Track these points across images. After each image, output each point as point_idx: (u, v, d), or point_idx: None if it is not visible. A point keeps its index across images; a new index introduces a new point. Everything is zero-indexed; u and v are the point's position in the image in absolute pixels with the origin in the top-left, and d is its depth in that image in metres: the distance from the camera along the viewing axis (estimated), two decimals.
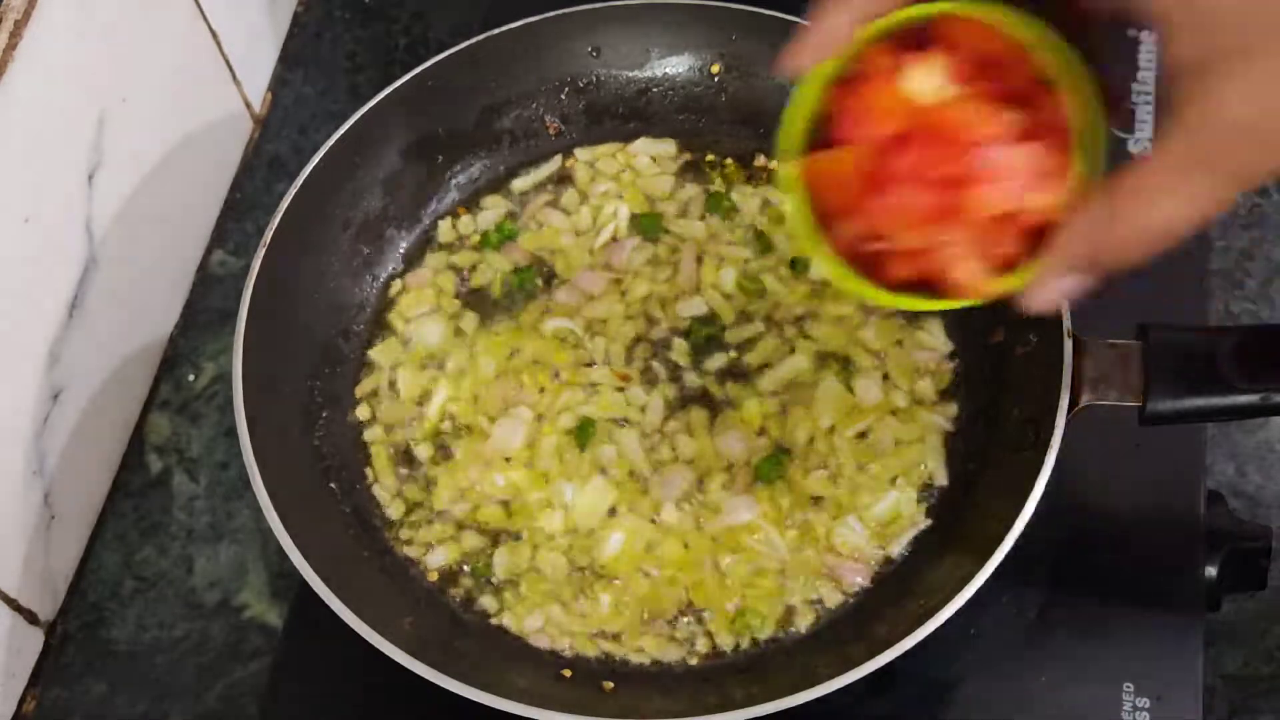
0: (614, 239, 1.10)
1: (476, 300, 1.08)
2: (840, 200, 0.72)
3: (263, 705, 0.98)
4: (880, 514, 0.96)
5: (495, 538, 0.98)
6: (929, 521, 0.96)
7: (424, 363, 1.05)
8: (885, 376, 1.02)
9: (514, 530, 0.98)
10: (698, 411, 1.01)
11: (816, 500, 0.97)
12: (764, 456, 0.98)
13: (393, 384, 1.04)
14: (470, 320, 1.07)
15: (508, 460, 1.00)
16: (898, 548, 0.95)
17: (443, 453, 1.01)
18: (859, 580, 0.94)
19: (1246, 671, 1.00)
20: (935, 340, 1.03)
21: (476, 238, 1.11)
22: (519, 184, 1.14)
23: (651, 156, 1.14)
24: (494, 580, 0.96)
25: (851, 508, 0.96)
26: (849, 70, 0.70)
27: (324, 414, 1.02)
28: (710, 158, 1.14)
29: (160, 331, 1.18)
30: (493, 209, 1.13)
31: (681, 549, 0.96)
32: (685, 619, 0.94)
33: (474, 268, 1.10)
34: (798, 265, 1.07)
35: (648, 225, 1.10)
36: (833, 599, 0.94)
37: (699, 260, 1.07)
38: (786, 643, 0.93)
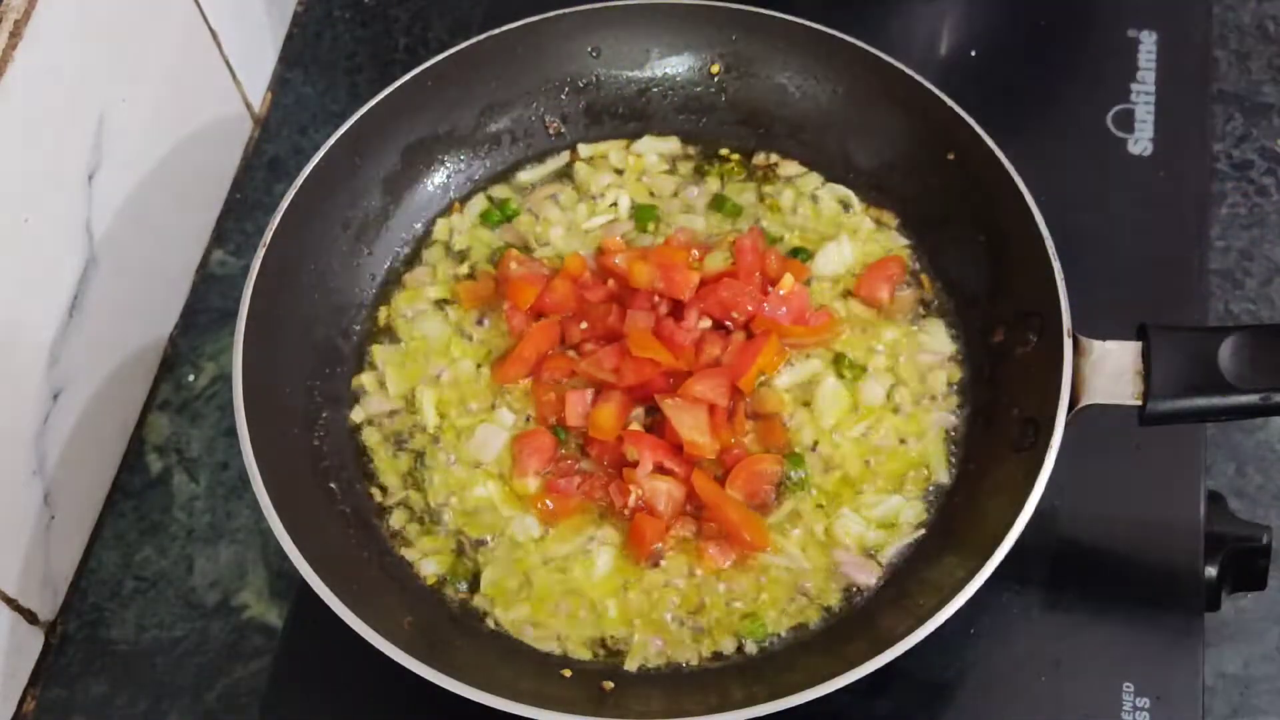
0: (614, 221, 1.11)
1: (470, 295, 1.08)
2: None
3: (263, 705, 0.97)
4: (881, 515, 0.96)
5: (481, 545, 0.97)
6: (924, 530, 0.96)
7: (417, 362, 1.05)
8: (893, 377, 1.02)
9: (495, 541, 0.97)
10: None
11: (820, 505, 0.97)
12: (787, 458, 0.98)
13: (386, 383, 1.04)
14: (460, 318, 1.07)
15: (478, 466, 1.00)
16: (897, 548, 0.95)
17: (435, 452, 1.01)
18: (869, 579, 0.94)
19: (1246, 671, 1.00)
20: (938, 343, 1.03)
21: (475, 220, 1.11)
22: (525, 176, 1.14)
23: (657, 154, 1.14)
24: (483, 590, 0.95)
25: (852, 505, 0.97)
26: None
27: (324, 414, 1.01)
28: (715, 154, 1.14)
29: (160, 331, 1.18)
30: (496, 194, 1.13)
31: (686, 571, 0.96)
32: (688, 625, 0.94)
33: (467, 250, 1.10)
34: (801, 255, 1.08)
35: (644, 216, 1.10)
36: (836, 598, 0.94)
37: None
38: (787, 643, 0.93)
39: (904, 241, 1.08)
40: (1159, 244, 1.10)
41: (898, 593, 0.93)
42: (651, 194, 1.12)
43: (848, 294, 1.06)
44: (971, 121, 1.02)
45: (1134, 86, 1.18)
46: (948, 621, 0.82)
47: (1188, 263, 1.09)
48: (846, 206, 1.10)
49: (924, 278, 1.06)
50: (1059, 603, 0.96)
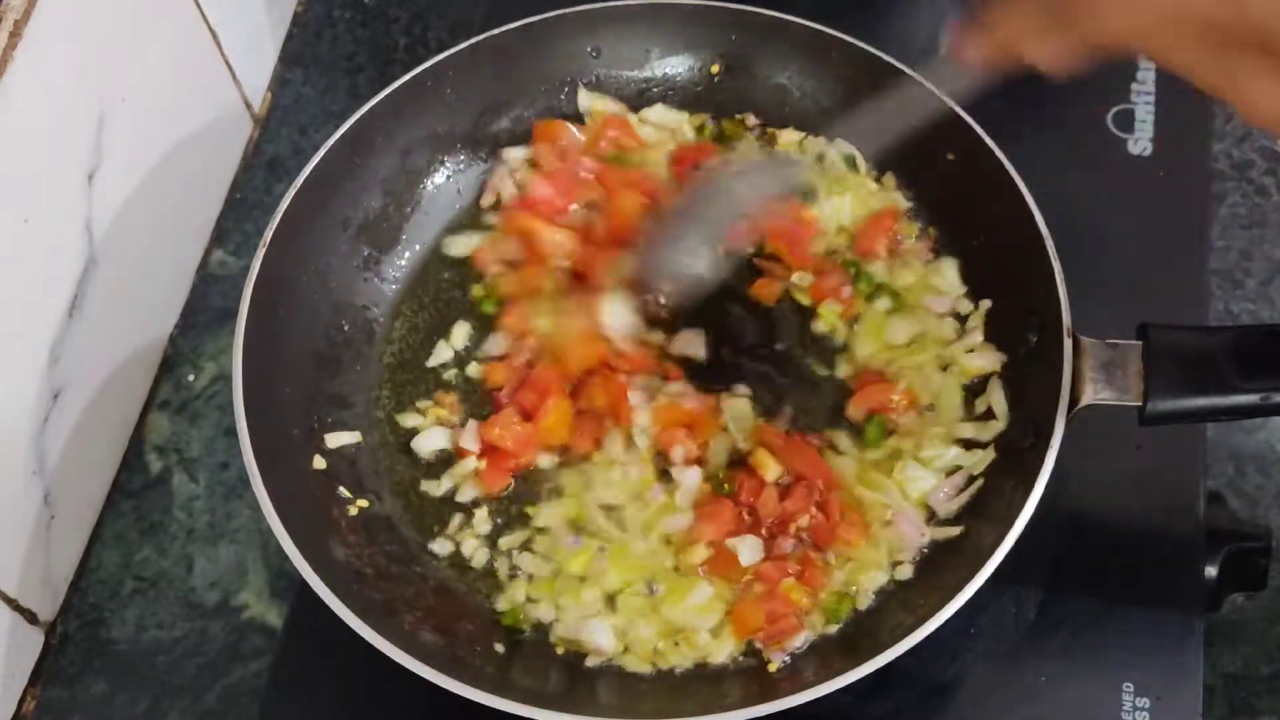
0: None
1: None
2: None
3: (263, 705, 0.98)
4: (944, 465, 0.97)
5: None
6: (987, 475, 0.95)
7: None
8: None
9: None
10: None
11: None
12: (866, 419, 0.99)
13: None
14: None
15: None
16: (962, 499, 0.95)
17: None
18: (921, 539, 0.94)
19: (1246, 671, 1.00)
20: (949, 284, 1.04)
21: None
22: (513, 153, 1.14)
23: (658, 125, 1.14)
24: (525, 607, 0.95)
25: (914, 458, 0.97)
26: None
27: (324, 414, 1.01)
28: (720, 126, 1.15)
29: (160, 331, 1.18)
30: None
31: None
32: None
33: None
34: (806, 196, 1.09)
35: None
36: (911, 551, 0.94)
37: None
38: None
39: (905, 204, 1.09)
40: (1159, 244, 1.10)
41: (898, 592, 0.93)
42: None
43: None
44: (971, 121, 1.02)
45: (1134, 86, 1.19)
46: (948, 621, 0.83)
47: (1188, 263, 1.09)
48: (853, 164, 1.10)
49: (932, 230, 1.07)
50: (1059, 602, 0.96)
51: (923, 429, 0.98)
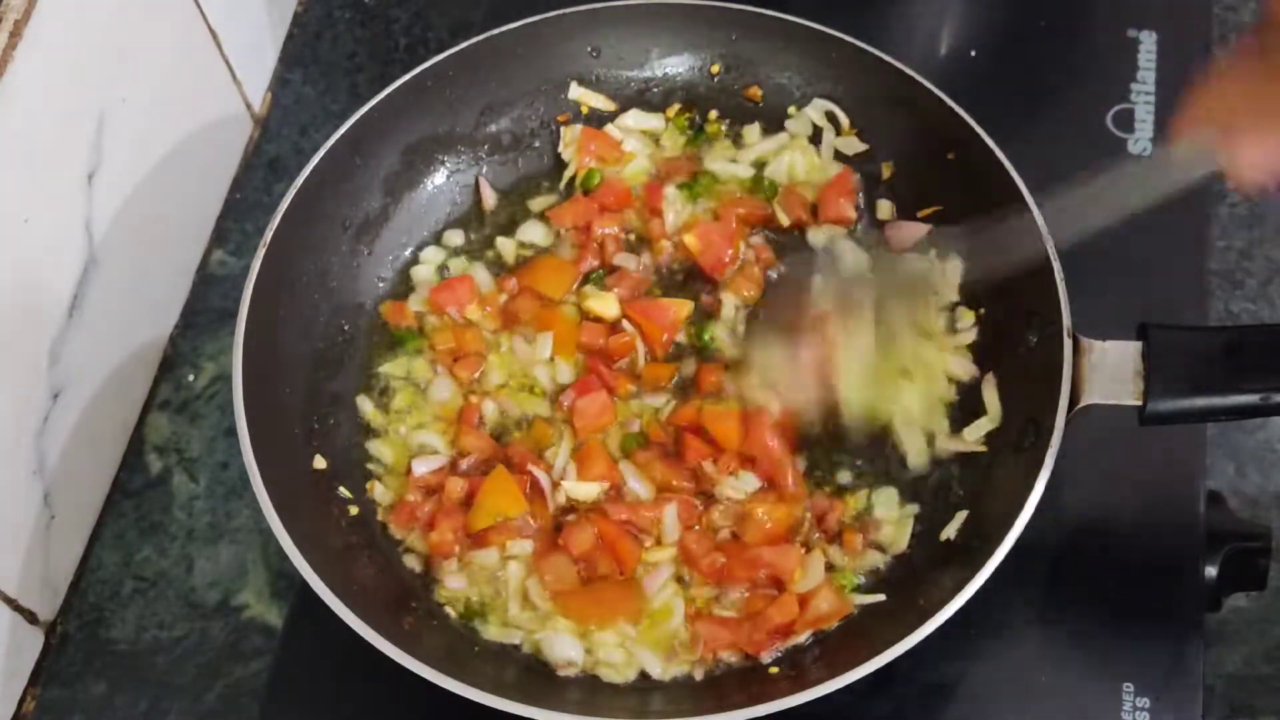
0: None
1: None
2: None
3: (263, 705, 0.98)
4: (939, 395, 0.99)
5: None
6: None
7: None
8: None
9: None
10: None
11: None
12: None
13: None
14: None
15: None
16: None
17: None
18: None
19: (1246, 671, 1.00)
20: (949, 285, 1.04)
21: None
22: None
23: (643, 130, 1.14)
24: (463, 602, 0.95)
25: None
26: None
27: (324, 414, 1.01)
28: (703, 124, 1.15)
29: (160, 331, 1.18)
30: None
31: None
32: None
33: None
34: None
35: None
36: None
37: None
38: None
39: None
40: (1159, 244, 1.10)
41: (897, 593, 0.93)
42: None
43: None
44: (971, 121, 1.02)
45: (1134, 86, 1.19)
46: (948, 621, 0.83)
47: (1188, 263, 1.09)
48: (833, 119, 1.11)
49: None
50: (1059, 602, 0.96)
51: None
